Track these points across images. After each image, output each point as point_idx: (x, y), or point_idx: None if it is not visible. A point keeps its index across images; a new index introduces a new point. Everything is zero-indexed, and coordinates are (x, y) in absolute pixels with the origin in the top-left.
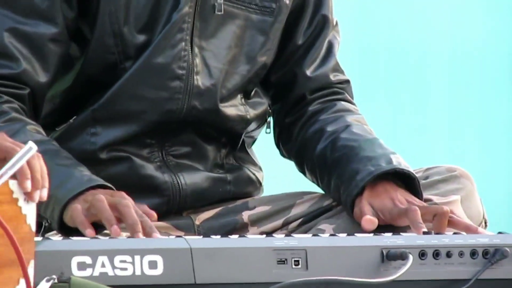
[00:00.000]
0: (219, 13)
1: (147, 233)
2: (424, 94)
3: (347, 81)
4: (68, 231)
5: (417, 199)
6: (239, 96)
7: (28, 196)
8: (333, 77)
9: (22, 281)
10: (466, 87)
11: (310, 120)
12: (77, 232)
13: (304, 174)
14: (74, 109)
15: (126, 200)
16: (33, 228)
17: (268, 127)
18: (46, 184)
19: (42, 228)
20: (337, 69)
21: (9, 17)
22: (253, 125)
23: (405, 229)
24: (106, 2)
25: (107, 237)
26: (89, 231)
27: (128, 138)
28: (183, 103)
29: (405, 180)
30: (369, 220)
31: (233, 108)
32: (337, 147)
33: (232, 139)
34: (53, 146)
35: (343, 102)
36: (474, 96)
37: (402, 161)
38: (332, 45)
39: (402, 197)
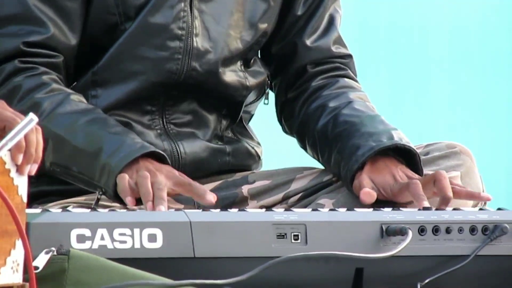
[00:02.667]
0: None
1: (155, 204)
2: (424, 71)
3: (350, 56)
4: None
5: (417, 175)
6: (239, 63)
7: (19, 169)
8: (335, 49)
9: (14, 252)
10: (467, 63)
11: (312, 95)
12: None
13: (305, 149)
14: (76, 73)
15: (146, 172)
16: (25, 199)
17: (267, 98)
18: (39, 159)
19: (96, 199)
20: (339, 42)
21: None
22: (252, 96)
23: (406, 205)
24: None
25: (107, 210)
26: (129, 198)
27: (128, 101)
28: (182, 63)
29: (406, 156)
30: (368, 192)
31: (233, 73)
32: (339, 122)
33: (233, 110)
34: (101, 115)
35: (346, 79)
36: (475, 72)
37: (404, 137)
38: (333, 17)
39: (402, 173)
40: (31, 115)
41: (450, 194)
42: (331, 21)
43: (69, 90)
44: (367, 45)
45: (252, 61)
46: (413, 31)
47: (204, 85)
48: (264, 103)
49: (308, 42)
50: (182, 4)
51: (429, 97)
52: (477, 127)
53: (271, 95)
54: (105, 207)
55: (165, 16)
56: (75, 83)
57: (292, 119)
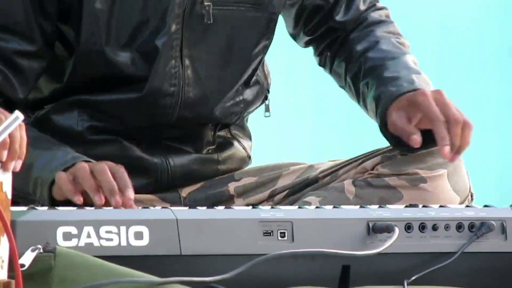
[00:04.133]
0: (208, 22)
1: (122, 189)
2: None
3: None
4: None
5: (440, 91)
6: (233, 91)
7: (3, 166)
8: (362, 6)
9: (2, 249)
10: (457, 62)
11: (344, 42)
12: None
13: (345, 90)
14: (65, 94)
15: (102, 165)
16: (9, 196)
17: (267, 110)
18: (23, 155)
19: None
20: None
21: None
22: (250, 108)
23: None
24: (87, 23)
25: (93, 207)
26: (78, 197)
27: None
28: (173, 114)
29: None
30: (415, 140)
31: (227, 107)
32: (365, 70)
33: (225, 124)
34: (33, 133)
35: (372, 14)
36: (465, 70)
37: (426, 80)
38: None
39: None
40: (17, 112)
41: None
42: None
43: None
44: None
45: (252, 79)
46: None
47: (195, 120)
48: (265, 116)
49: (339, 18)
50: (173, 61)
51: None
52: None
53: (280, 88)
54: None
55: (158, 80)
56: (64, 98)
57: (328, 64)
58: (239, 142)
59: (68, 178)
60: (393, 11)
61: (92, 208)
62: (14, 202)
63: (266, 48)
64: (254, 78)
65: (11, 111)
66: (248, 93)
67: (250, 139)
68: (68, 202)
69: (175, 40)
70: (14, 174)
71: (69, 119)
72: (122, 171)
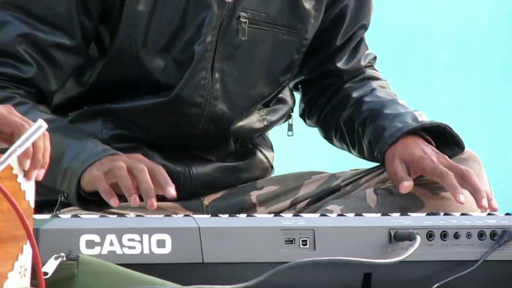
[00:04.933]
0: (243, 38)
1: (163, 186)
2: (430, 74)
3: (375, 58)
4: (86, 203)
5: (449, 160)
6: (258, 110)
7: (26, 175)
8: (363, 61)
9: (21, 257)
10: (474, 66)
11: (338, 90)
12: (94, 204)
13: (330, 141)
14: (90, 100)
15: (142, 165)
16: (32, 204)
17: (290, 129)
18: (46, 165)
19: (58, 203)
20: (367, 53)
21: (25, 21)
22: (273, 127)
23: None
24: (126, 25)
25: (116, 215)
26: (114, 200)
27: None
28: (198, 125)
29: (433, 136)
30: (407, 186)
31: (251, 125)
32: (362, 110)
33: (248, 139)
34: (63, 123)
35: (369, 70)
36: (482, 75)
37: (426, 118)
38: (362, 38)
39: (431, 149)
40: (40, 121)
41: (479, 185)
42: (361, 40)
43: (35, 103)
44: (373, 48)
45: (273, 101)
46: (419, 34)
47: (219, 134)
48: (288, 135)
49: (340, 64)
50: (204, 72)
51: (435, 100)
52: (485, 131)
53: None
54: (114, 213)
55: (188, 88)
56: (89, 105)
57: (316, 112)
58: (261, 151)
59: (101, 174)
60: (409, 18)
61: (115, 216)
62: (39, 192)
63: (294, 71)
64: (280, 96)
65: (42, 102)
66: (273, 113)
67: (272, 149)
68: (95, 193)
69: (208, 52)
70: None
71: (93, 127)
72: (162, 170)
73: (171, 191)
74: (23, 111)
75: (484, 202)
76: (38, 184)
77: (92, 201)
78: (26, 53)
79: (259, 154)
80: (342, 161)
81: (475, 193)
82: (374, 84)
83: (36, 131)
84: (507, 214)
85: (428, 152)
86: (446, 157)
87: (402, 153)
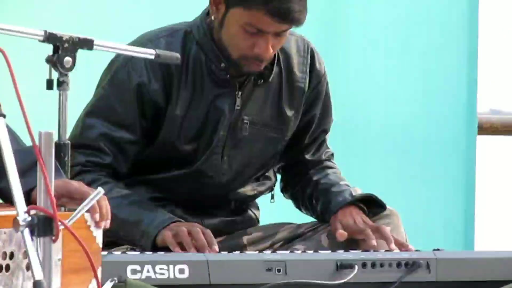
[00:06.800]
0: (245, 134)
1: (210, 244)
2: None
3: (332, 154)
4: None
5: (370, 221)
6: (252, 182)
7: (97, 225)
8: (324, 156)
9: (93, 281)
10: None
11: (305, 174)
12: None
13: (299, 209)
14: (134, 171)
15: (197, 229)
16: (100, 246)
17: (272, 198)
18: (109, 217)
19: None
20: (327, 150)
21: (103, 125)
22: (261, 195)
23: (359, 242)
24: (167, 124)
25: (151, 253)
26: (178, 249)
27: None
28: (210, 191)
29: (366, 203)
30: (341, 234)
31: (246, 192)
32: (319, 189)
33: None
34: (137, 197)
35: (327, 162)
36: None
37: (360, 191)
38: (327, 131)
39: (360, 218)
40: (99, 188)
41: (391, 240)
42: (323, 141)
43: (114, 182)
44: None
45: (261, 178)
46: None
47: (223, 198)
48: (271, 202)
49: (307, 156)
50: (217, 155)
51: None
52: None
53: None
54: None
55: (206, 167)
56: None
57: (290, 190)
58: (251, 210)
59: (171, 235)
60: None
61: (151, 253)
62: (118, 245)
63: (276, 159)
64: (266, 174)
65: (117, 179)
66: (261, 185)
67: (258, 209)
68: (165, 248)
69: (221, 142)
70: (125, 225)
71: (137, 190)
72: (210, 233)
73: (216, 248)
74: (107, 189)
75: (392, 246)
76: (121, 239)
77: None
78: (105, 146)
79: (250, 212)
80: (306, 217)
81: (386, 240)
82: (329, 171)
83: (96, 195)
84: (416, 250)
85: (355, 216)
86: (367, 219)
87: (341, 218)
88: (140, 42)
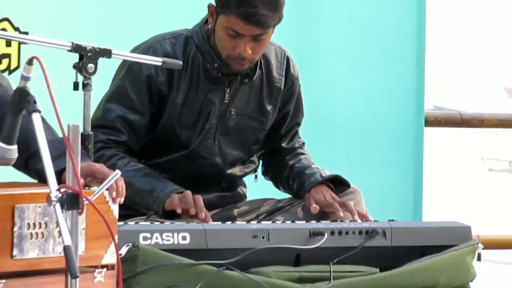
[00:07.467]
0: (232, 123)
1: (199, 212)
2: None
3: (303, 143)
4: (169, 216)
5: (337, 197)
6: (239, 164)
7: (114, 200)
8: (297, 144)
9: (112, 246)
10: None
11: (281, 160)
12: (171, 216)
13: (278, 189)
14: (138, 155)
15: (198, 196)
16: (117, 217)
17: (256, 178)
18: (124, 194)
19: (147, 216)
20: (299, 140)
21: (120, 109)
22: (247, 175)
23: (329, 214)
24: (168, 110)
25: (159, 222)
26: (179, 209)
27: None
28: (203, 171)
29: (334, 182)
30: (314, 207)
31: (235, 172)
32: (294, 172)
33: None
34: (150, 170)
35: (299, 149)
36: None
37: (327, 173)
38: (299, 124)
39: (329, 194)
40: (117, 170)
41: (355, 213)
42: (296, 132)
43: (129, 157)
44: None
45: (247, 162)
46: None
47: (215, 177)
48: (254, 181)
49: (283, 145)
50: (209, 140)
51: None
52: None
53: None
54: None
55: (200, 149)
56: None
57: (270, 173)
58: (240, 188)
59: (177, 199)
60: None
61: (158, 223)
62: (131, 217)
63: (258, 145)
64: (251, 159)
65: (130, 155)
66: (247, 167)
67: (245, 186)
68: (173, 212)
69: (212, 128)
70: (141, 192)
71: None
72: (201, 201)
73: (209, 218)
74: (126, 162)
75: (355, 218)
76: (137, 204)
77: (172, 214)
78: (122, 127)
79: (239, 189)
80: (285, 194)
81: (350, 212)
82: (302, 156)
83: (114, 176)
84: (375, 220)
85: (325, 193)
86: (335, 195)
87: (313, 195)
88: (149, 42)
